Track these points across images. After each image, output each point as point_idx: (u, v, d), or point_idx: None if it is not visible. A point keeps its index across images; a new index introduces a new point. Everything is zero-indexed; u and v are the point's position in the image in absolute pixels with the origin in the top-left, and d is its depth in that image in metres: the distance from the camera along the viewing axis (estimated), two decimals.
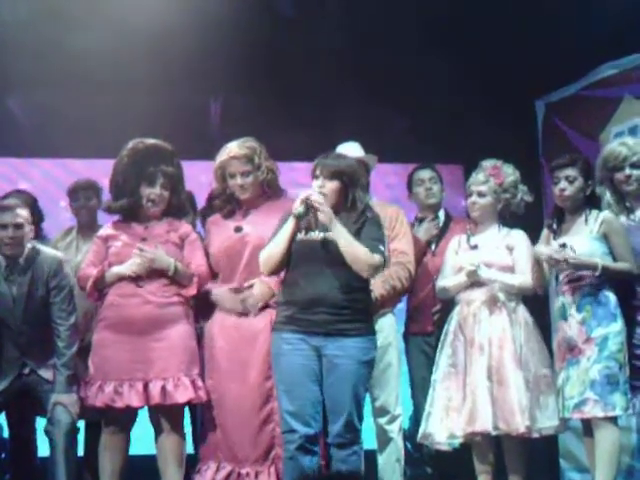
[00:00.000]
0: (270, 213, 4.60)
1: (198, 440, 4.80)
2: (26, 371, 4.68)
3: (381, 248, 4.22)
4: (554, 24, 5.70)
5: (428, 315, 5.24)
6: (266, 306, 4.63)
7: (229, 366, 4.59)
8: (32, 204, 5.08)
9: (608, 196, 4.72)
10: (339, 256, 4.16)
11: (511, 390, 4.56)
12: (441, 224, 5.48)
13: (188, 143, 5.60)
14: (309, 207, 4.17)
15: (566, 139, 6.38)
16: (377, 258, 4.17)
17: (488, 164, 4.86)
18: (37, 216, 5.12)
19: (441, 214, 5.53)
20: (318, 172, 4.28)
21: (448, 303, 4.96)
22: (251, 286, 4.65)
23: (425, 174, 5.49)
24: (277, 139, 5.16)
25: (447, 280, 4.87)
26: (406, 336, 5.44)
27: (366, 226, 4.25)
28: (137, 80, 5.82)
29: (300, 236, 4.25)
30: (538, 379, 4.66)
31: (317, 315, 4.17)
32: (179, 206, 4.79)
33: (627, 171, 4.66)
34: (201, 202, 5.17)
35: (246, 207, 4.76)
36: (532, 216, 5.12)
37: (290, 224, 4.23)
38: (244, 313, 4.64)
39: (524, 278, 4.72)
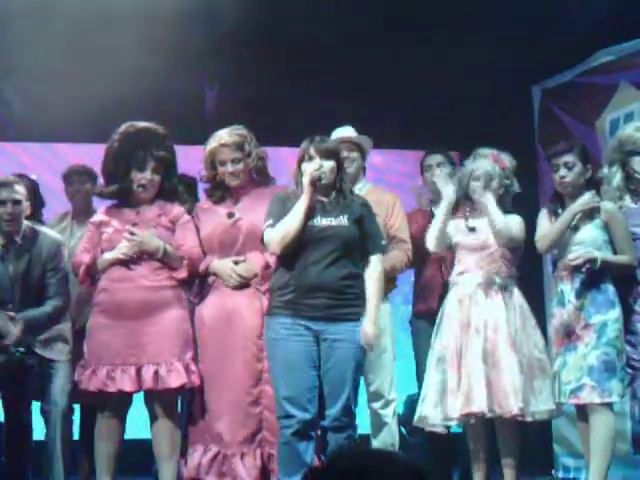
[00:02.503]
0: (260, 200, 4.59)
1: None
2: (21, 349, 4.66)
3: (384, 243, 4.43)
4: (552, 10, 5.69)
5: (435, 294, 5.18)
6: (247, 285, 4.61)
7: (217, 348, 4.56)
8: (34, 189, 5.07)
9: (618, 178, 4.70)
10: (341, 243, 4.20)
11: (505, 373, 4.56)
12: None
13: (186, 128, 5.59)
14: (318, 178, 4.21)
15: (562, 125, 6.37)
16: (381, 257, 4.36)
17: (486, 152, 4.82)
18: (38, 201, 5.12)
19: None
20: (313, 153, 4.27)
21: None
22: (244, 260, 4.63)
23: (432, 160, 5.36)
24: (274, 125, 5.15)
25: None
26: (413, 317, 5.40)
27: (367, 218, 4.30)
28: (132, 65, 5.79)
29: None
30: (532, 363, 4.65)
31: (318, 300, 4.17)
32: (171, 190, 4.75)
33: None
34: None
35: (236, 194, 4.73)
36: (528, 202, 5.11)
37: (304, 199, 4.22)
38: (240, 286, 4.59)
39: (506, 226, 4.67)
